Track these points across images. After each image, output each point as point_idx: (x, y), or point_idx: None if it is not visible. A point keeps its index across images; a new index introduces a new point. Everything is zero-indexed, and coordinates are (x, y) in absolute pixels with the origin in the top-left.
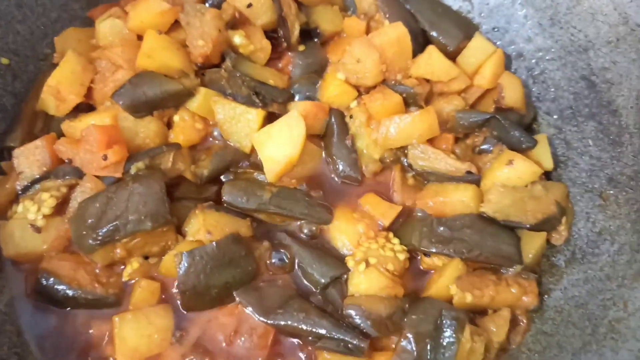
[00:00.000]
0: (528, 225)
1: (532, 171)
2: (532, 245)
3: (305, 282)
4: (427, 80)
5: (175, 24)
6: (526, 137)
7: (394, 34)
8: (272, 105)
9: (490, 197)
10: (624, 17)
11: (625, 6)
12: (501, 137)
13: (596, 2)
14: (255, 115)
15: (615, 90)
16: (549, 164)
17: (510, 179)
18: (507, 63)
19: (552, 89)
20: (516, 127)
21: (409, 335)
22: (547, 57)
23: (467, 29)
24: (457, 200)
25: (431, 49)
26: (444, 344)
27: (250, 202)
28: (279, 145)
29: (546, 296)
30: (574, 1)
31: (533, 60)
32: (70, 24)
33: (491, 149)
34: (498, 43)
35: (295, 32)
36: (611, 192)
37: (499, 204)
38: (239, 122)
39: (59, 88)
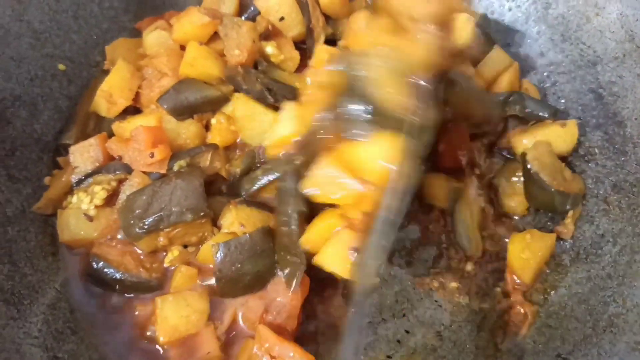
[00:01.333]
0: (553, 189)
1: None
2: (543, 243)
3: None
4: None
5: (214, 35)
6: (549, 108)
7: None
8: (282, 100)
9: (538, 148)
10: (630, 34)
11: (631, 25)
12: (524, 113)
13: (604, 20)
14: (271, 117)
15: (621, 102)
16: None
17: (559, 137)
18: (520, 76)
19: (562, 101)
20: (537, 101)
21: None
22: (558, 71)
23: (485, 42)
24: None
25: None
26: None
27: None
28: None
29: (552, 292)
30: (584, 19)
31: (545, 74)
32: (119, 34)
33: None
34: (512, 56)
35: (320, 42)
36: (614, 197)
37: (540, 157)
38: (253, 121)
39: (111, 92)
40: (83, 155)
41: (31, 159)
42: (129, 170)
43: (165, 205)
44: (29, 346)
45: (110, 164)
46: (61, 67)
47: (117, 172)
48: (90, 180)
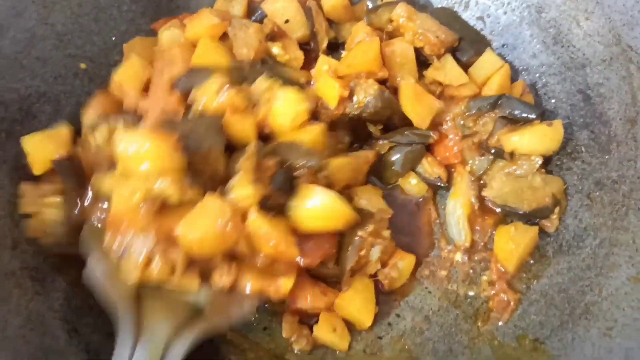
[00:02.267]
0: (522, 212)
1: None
2: (526, 235)
3: None
4: (440, 83)
5: (224, 36)
6: (537, 109)
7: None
8: None
9: (493, 184)
10: (617, 38)
11: (619, 29)
12: (513, 115)
13: (594, 24)
14: None
15: (607, 103)
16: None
17: (546, 136)
18: (514, 76)
19: (552, 101)
20: (525, 103)
21: None
22: (549, 72)
23: (479, 45)
24: None
25: (447, 56)
26: None
27: None
28: None
29: (535, 281)
30: (574, 23)
31: (537, 75)
32: (136, 35)
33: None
34: (507, 58)
35: (323, 45)
36: (597, 193)
37: (499, 191)
38: None
39: (121, 83)
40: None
41: None
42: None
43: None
44: (51, 319)
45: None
46: (83, 66)
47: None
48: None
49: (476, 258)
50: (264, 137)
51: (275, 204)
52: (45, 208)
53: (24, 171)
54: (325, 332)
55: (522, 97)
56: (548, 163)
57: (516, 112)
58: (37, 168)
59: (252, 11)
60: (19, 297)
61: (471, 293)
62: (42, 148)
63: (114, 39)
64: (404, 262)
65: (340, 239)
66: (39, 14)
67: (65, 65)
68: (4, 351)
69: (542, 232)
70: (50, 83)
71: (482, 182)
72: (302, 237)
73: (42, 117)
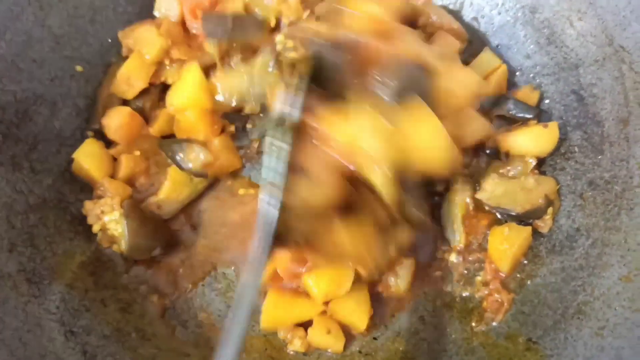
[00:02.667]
0: (515, 213)
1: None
2: (520, 235)
3: None
4: None
5: None
6: (534, 110)
7: None
8: None
9: (486, 187)
10: (610, 39)
11: (611, 29)
12: (510, 114)
13: (587, 25)
14: None
15: (600, 104)
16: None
17: (542, 137)
18: (508, 77)
19: (546, 101)
20: (523, 103)
21: None
22: (543, 73)
23: (476, 45)
24: None
25: None
26: None
27: None
28: None
29: (529, 281)
30: (567, 23)
31: (531, 75)
32: None
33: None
34: (501, 58)
35: None
36: (590, 193)
37: (492, 193)
38: None
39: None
40: None
41: (51, 153)
42: None
43: None
44: (47, 321)
45: None
46: (79, 68)
47: None
48: None
49: (471, 258)
50: None
51: None
52: (108, 225)
53: (22, 174)
54: (320, 334)
55: (527, 95)
56: (542, 164)
57: (513, 111)
58: None
59: None
60: (16, 300)
61: (465, 293)
62: None
63: (110, 41)
64: (404, 266)
65: None
66: (36, 16)
67: (61, 67)
68: (1, 354)
69: (536, 233)
70: (47, 85)
71: (477, 183)
72: None
73: (39, 120)
